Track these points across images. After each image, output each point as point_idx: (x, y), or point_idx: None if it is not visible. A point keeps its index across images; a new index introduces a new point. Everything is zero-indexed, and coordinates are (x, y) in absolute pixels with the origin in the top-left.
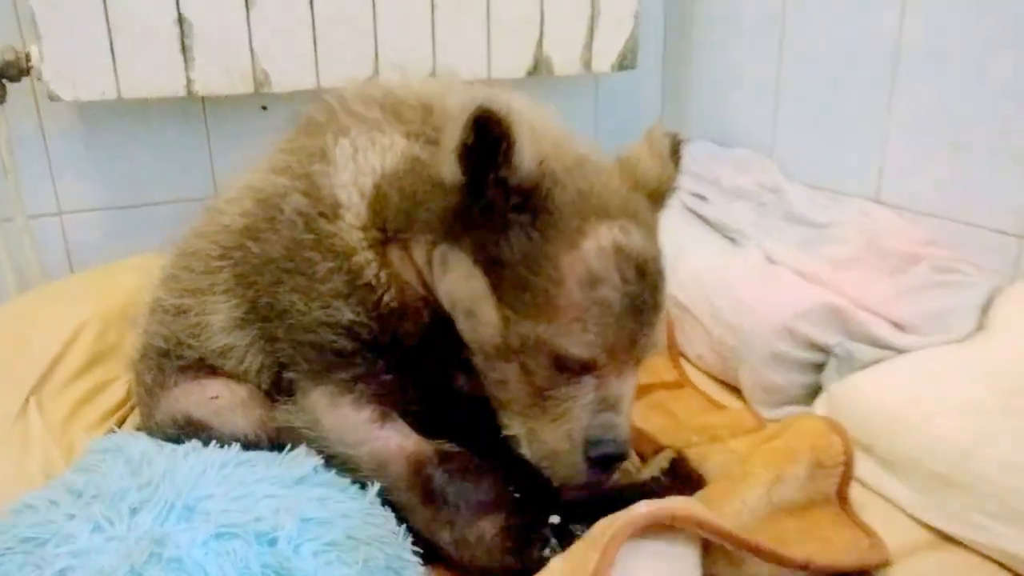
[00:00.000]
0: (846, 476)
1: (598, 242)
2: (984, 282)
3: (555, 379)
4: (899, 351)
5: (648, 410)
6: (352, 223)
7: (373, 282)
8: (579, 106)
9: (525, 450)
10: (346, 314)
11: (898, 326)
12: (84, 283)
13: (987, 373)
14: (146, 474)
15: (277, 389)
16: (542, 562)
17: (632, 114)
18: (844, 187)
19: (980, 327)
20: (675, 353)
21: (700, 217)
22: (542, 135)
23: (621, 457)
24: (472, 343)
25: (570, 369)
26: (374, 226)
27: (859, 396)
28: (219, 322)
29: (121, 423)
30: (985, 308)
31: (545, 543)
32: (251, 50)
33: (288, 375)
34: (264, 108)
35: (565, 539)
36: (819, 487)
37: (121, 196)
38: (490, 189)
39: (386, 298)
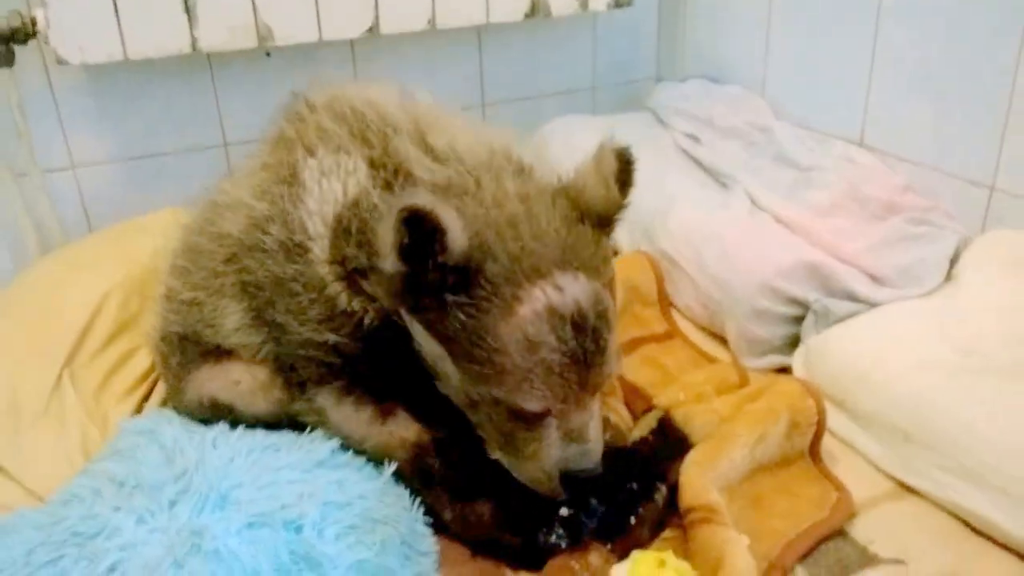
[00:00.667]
0: (818, 434)
1: (532, 307)
2: (952, 234)
3: (518, 425)
4: (873, 305)
5: (639, 364)
6: (320, 256)
7: (349, 309)
8: (576, 46)
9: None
10: (330, 337)
11: (873, 278)
12: (103, 247)
13: (947, 333)
14: (179, 463)
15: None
16: (549, 547)
17: (629, 52)
18: (831, 127)
19: (948, 278)
20: (666, 305)
21: (693, 159)
22: (480, 193)
23: (595, 476)
24: (447, 391)
25: (528, 419)
26: (336, 261)
27: (832, 353)
28: (232, 323)
29: (149, 393)
30: (953, 259)
31: (551, 530)
32: (253, 5)
33: (298, 376)
34: (268, 55)
35: (574, 531)
36: (794, 444)
37: (132, 147)
38: (429, 275)
39: (366, 320)
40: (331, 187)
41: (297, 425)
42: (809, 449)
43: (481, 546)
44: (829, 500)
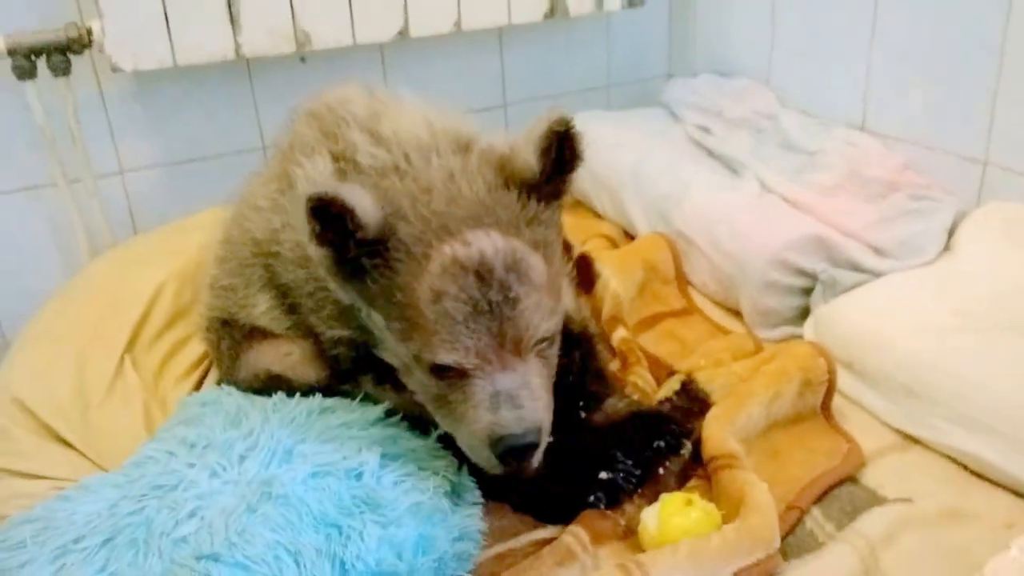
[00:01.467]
0: (829, 391)
1: (439, 261)
2: (949, 207)
3: (443, 386)
4: (877, 275)
5: (660, 337)
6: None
7: (350, 304)
8: (592, 43)
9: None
10: (344, 332)
11: (876, 250)
12: (156, 243)
13: (944, 296)
14: (245, 426)
15: None
16: (587, 505)
17: (641, 49)
18: (833, 114)
19: (946, 248)
20: (683, 282)
21: (705, 149)
22: (408, 170)
23: (530, 446)
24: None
25: (449, 376)
26: None
27: (841, 319)
28: (261, 309)
29: (203, 376)
30: (951, 231)
31: (591, 492)
32: (292, 13)
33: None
34: (303, 60)
35: (611, 494)
36: (807, 402)
37: (177, 153)
38: (351, 252)
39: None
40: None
41: (347, 393)
42: (821, 406)
43: (521, 504)
44: (840, 451)
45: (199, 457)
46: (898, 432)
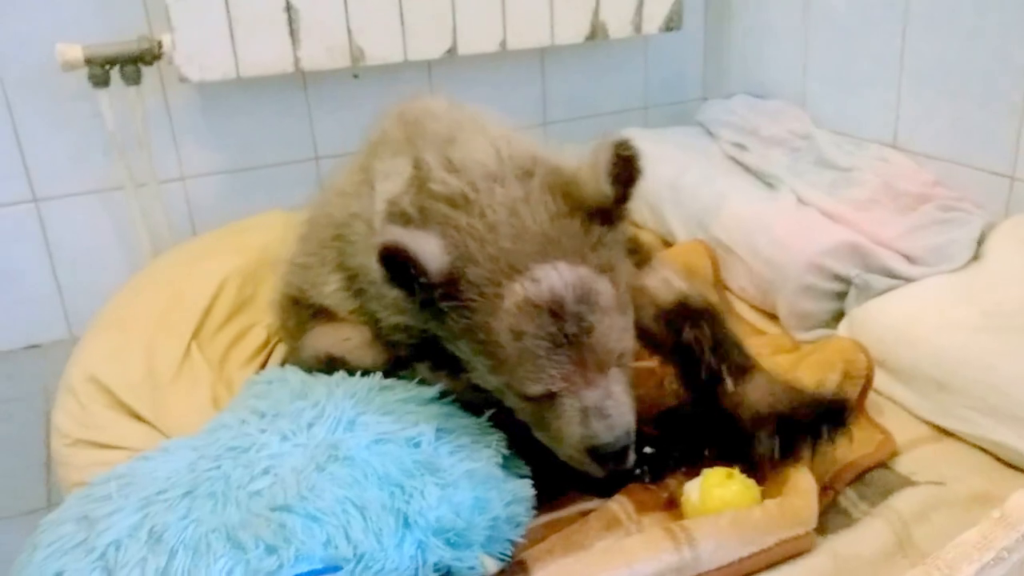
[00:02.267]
0: (867, 386)
1: (513, 300)
2: (978, 219)
3: (536, 408)
4: (908, 280)
5: None
6: None
7: None
8: (630, 65)
9: None
10: (405, 320)
11: (908, 258)
12: (218, 241)
13: (974, 299)
14: (311, 398)
15: None
16: (631, 479)
17: (678, 71)
18: (866, 133)
19: (975, 257)
20: (721, 286)
21: (741, 164)
22: (475, 202)
23: (624, 450)
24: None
25: (540, 400)
26: None
27: (875, 319)
28: (330, 289)
29: (266, 361)
30: (980, 241)
31: (637, 466)
32: (348, 30)
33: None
34: (356, 76)
35: (656, 468)
36: (847, 394)
37: (235, 161)
38: (420, 294)
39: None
40: (388, 187)
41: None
42: (857, 401)
43: (568, 478)
44: (875, 440)
45: (269, 424)
46: (930, 424)
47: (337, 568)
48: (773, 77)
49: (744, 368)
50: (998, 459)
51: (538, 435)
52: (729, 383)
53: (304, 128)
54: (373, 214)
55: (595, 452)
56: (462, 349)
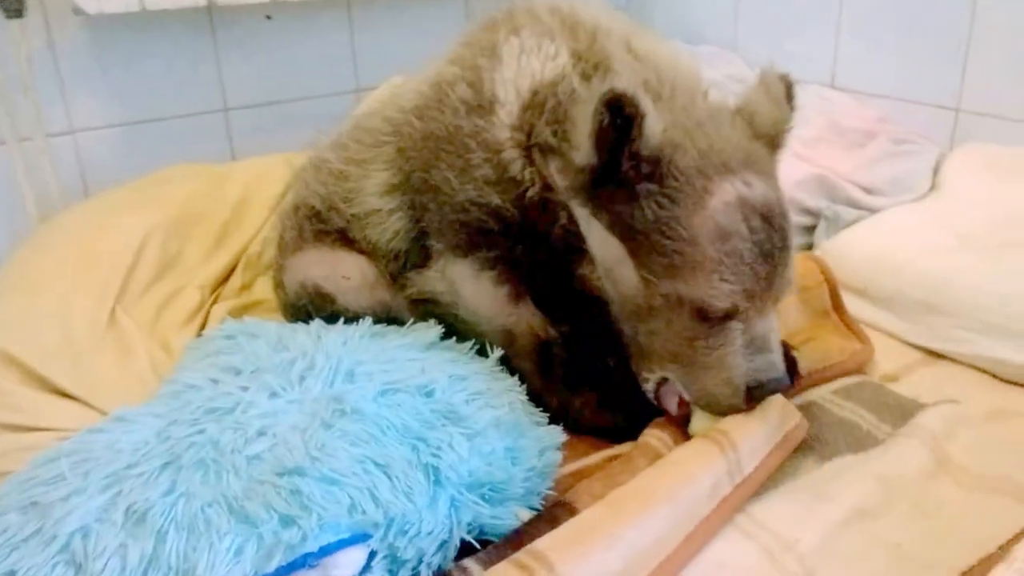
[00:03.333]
0: (832, 290)
1: (723, 198)
2: (933, 150)
3: (701, 329)
4: (873, 211)
5: None
6: (504, 120)
7: (519, 177)
8: None
9: (682, 390)
10: (494, 199)
11: (868, 190)
12: (134, 194)
13: (944, 224)
14: (295, 349)
15: (407, 259)
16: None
17: None
18: (803, 75)
19: (933, 187)
20: None
21: None
22: (672, 101)
23: (781, 387)
24: (613, 298)
25: (713, 319)
26: (521, 129)
27: (850, 250)
28: (372, 186)
29: (203, 324)
30: (935, 171)
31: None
32: None
33: (433, 244)
34: (269, 18)
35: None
36: (812, 306)
37: (133, 112)
38: (623, 164)
39: (530, 192)
40: (529, 63)
41: (394, 322)
42: (832, 306)
43: (581, 430)
44: (853, 349)
45: (250, 381)
46: (921, 348)
47: (367, 536)
48: (701, 21)
49: None
50: (996, 377)
51: (669, 366)
52: None
53: (212, 75)
54: (496, 81)
55: (757, 388)
56: (614, 252)
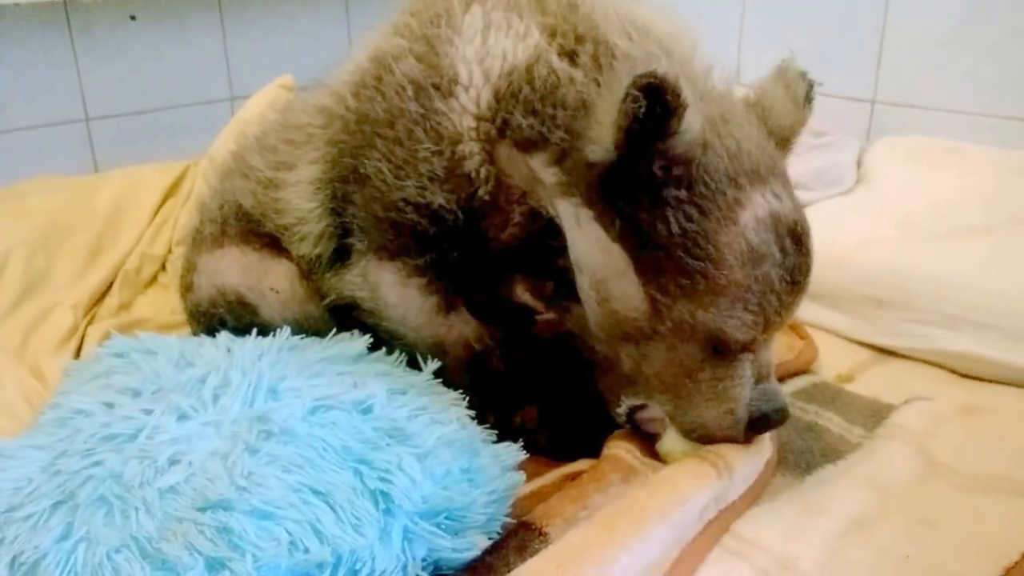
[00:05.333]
0: None
1: (755, 213)
2: (854, 142)
3: (709, 361)
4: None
5: None
6: (466, 107)
7: (472, 175)
8: None
9: (672, 422)
10: (437, 199)
11: (795, 185)
12: None
13: (881, 214)
14: (202, 365)
15: (335, 257)
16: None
17: None
18: None
19: (858, 179)
20: None
21: None
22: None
23: (784, 418)
24: (594, 313)
25: (726, 351)
26: (491, 119)
27: None
28: (299, 187)
29: (80, 348)
30: (859, 163)
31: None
32: None
33: (353, 243)
34: (133, 18)
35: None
36: None
37: None
38: (653, 162)
39: (480, 192)
40: (499, 42)
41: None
42: None
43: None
44: (797, 347)
45: (152, 403)
46: (869, 347)
47: None
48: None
49: None
50: (954, 372)
51: (660, 397)
52: None
53: (71, 81)
54: (457, 59)
55: (761, 420)
56: (613, 265)
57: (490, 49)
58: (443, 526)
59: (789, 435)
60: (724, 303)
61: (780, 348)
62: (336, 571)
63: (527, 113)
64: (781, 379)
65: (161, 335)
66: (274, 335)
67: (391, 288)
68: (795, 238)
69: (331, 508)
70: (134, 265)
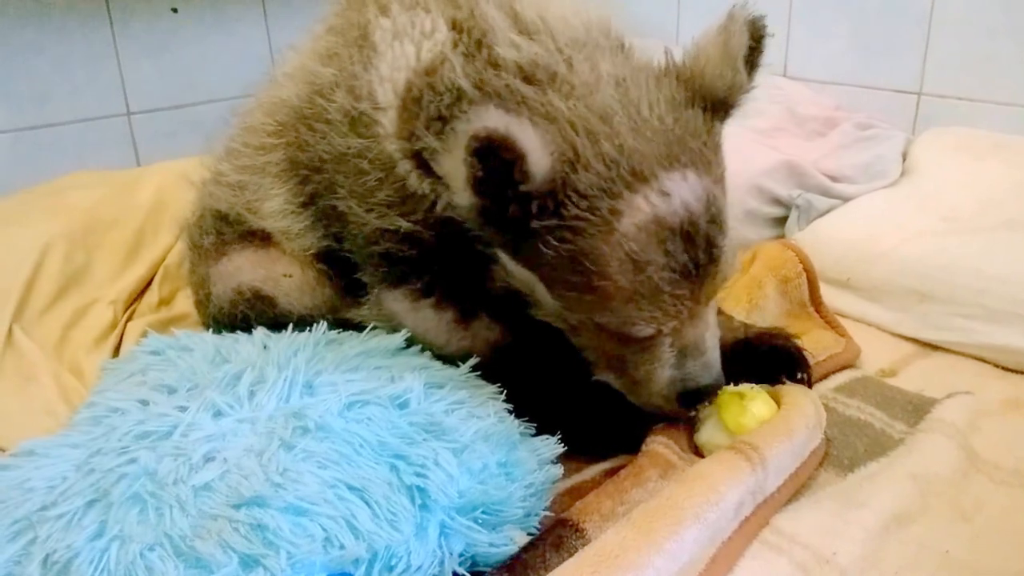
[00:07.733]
0: (811, 282)
1: (634, 220)
2: (901, 134)
3: (627, 349)
4: (846, 199)
5: None
6: (389, 130)
7: (419, 192)
8: None
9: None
10: (402, 224)
11: (834, 179)
12: (29, 203)
13: (927, 208)
14: (238, 362)
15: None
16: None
17: None
18: None
19: (904, 172)
20: None
21: None
22: (570, 77)
23: (715, 390)
24: (539, 313)
25: (637, 342)
26: (408, 136)
27: (829, 240)
28: (277, 206)
29: (119, 345)
30: (904, 156)
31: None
32: None
33: (362, 277)
34: (175, 11)
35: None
36: (791, 297)
37: (22, 116)
38: (510, 207)
39: (438, 206)
40: (404, 50)
41: (347, 326)
42: (810, 300)
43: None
44: (840, 344)
45: (188, 400)
46: (913, 340)
47: (346, 575)
48: (642, 13)
49: None
50: (997, 366)
51: (606, 375)
52: None
53: (112, 75)
54: (374, 80)
55: (688, 395)
56: (526, 277)
57: (396, 61)
58: (480, 521)
59: (831, 430)
60: (617, 307)
61: (827, 340)
62: (372, 567)
63: (425, 124)
64: (826, 374)
65: (198, 332)
66: (310, 330)
67: (406, 315)
68: (686, 237)
69: (367, 504)
70: (175, 259)
